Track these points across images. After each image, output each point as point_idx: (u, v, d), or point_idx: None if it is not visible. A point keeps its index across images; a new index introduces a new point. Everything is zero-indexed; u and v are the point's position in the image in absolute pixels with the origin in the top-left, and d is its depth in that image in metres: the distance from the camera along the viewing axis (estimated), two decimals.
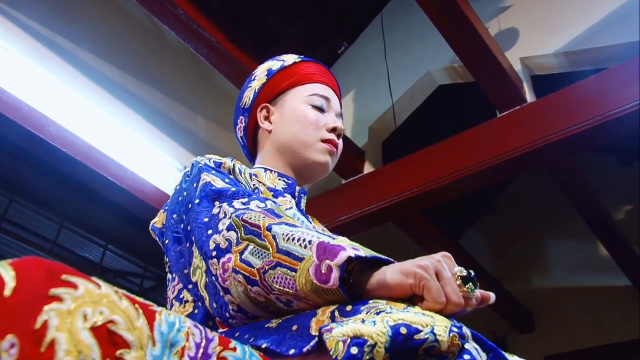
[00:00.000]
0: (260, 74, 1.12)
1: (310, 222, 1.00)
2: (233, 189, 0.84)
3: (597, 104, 2.17)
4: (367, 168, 3.03)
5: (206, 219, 0.80)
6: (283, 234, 0.69)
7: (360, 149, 3.10)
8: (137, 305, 0.43)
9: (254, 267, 0.69)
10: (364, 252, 0.64)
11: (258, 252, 0.70)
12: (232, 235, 0.74)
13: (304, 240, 0.67)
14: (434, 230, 3.36)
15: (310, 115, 1.05)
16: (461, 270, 0.64)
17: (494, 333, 4.29)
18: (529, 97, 2.53)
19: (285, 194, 1.00)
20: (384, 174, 2.79)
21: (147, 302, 0.45)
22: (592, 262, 4.20)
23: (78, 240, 3.38)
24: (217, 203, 0.81)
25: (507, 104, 2.49)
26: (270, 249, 0.68)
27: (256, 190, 0.97)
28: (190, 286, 0.83)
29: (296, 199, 1.03)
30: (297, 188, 1.04)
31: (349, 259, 0.62)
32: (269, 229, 0.71)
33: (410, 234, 3.34)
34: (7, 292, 0.35)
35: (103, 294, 0.41)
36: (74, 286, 0.40)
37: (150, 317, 0.43)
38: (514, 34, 2.83)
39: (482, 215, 5.01)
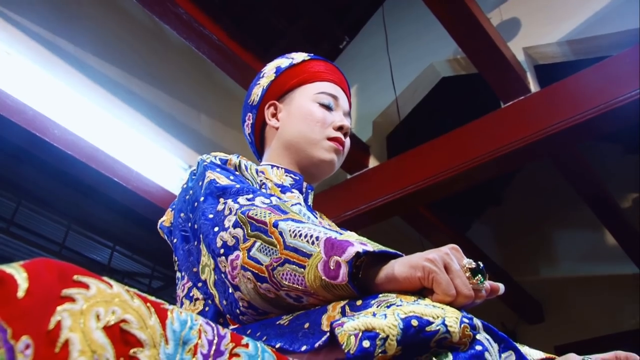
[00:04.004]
0: (269, 71, 1.13)
1: (317, 218, 1.00)
2: (238, 185, 0.84)
3: (601, 92, 2.16)
4: (372, 162, 3.03)
5: (211, 215, 0.80)
6: (290, 231, 0.69)
7: (364, 143, 3.10)
8: (149, 304, 0.43)
9: (262, 264, 0.69)
10: (372, 246, 0.64)
11: (265, 249, 0.70)
12: (239, 232, 0.74)
13: (311, 236, 0.67)
14: (441, 223, 3.35)
15: (317, 113, 1.05)
16: (470, 263, 0.64)
17: (503, 324, 4.29)
18: (533, 87, 2.52)
19: (293, 190, 1.00)
20: (389, 168, 2.79)
21: (159, 300, 0.45)
22: (600, 250, 4.19)
23: (86, 242, 3.39)
24: (221, 200, 0.82)
25: (511, 94, 2.48)
26: (278, 246, 0.69)
27: (263, 186, 0.97)
28: (199, 284, 0.83)
29: (304, 195, 1.03)
30: (305, 184, 1.04)
31: (357, 254, 0.62)
32: (275, 225, 0.71)
33: (417, 228, 3.34)
34: (21, 293, 0.36)
35: (115, 294, 0.41)
36: (85, 286, 0.40)
37: (162, 316, 0.44)
38: (516, 24, 2.82)
39: (488, 207, 5.00)
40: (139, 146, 2.57)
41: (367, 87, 3.40)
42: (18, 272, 0.36)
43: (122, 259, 3.59)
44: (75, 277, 0.40)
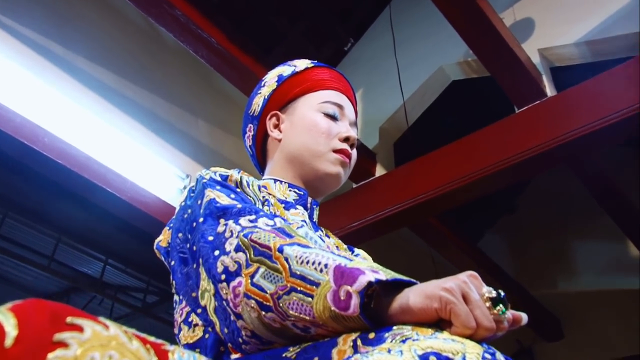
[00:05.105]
0: (270, 80, 1.12)
1: (324, 241, 0.99)
2: (239, 205, 0.83)
3: (622, 95, 2.15)
4: (379, 171, 3.02)
5: (211, 238, 0.79)
6: (296, 256, 0.68)
7: (371, 150, 3.09)
8: (148, 346, 0.42)
9: (266, 292, 0.68)
10: (384, 274, 0.63)
11: (270, 276, 0.69)
12: (241, 256, 0.73)
13: (319, 263, 0.66)
14: (451, 234, 3.34)
15: (321, 123, 1.04)
16: (490, 291, 0.62)
17: (519, 342, 4.26)
18: (549, 90, 2.51)
19: (297, 206, 0.99)
20: (397, 177, 2.78)
21: (159, 341, 0.44)
22: (622, 263, 4.15)
23: (76, 255, 3.39)
24: (222, 221, 0.81)
25: (525, 98, 2.48)
26: (283, 273, 0.67)
27: (266, 203, 0.96)
28: (199, 310, 0.82)
29: (308, 211, 1.02)
30: (309, 199, 1.04)
31: (369, 283, 0.61)
32: (280, 250, 0.70)
33: (426, 239, 3.33)
34: (9, 342, 0.35)
35: (111, 336, 0.40)
36: (79, 329, 0.39)
37: (162, 358, 0.43)
38: (531, 24, 2.81)
39: (502, 215, 4.98)
40: (133, 154, 2.57)
41: (373, 92, 3.40)
42: (6, 319, 0.35)
43: (115, 273, 3.58)
44: (68, 319, 0.39)
